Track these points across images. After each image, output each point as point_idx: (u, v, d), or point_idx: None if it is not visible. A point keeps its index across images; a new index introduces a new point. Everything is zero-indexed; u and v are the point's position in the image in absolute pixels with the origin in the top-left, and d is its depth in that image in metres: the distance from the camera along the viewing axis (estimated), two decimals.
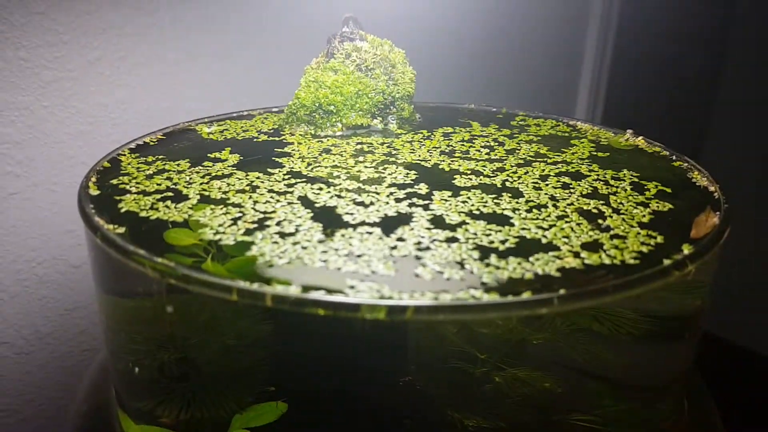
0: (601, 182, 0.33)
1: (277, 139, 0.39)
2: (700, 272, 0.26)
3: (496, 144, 0.39)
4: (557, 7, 0.83)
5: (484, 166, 0.36)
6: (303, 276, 0.23)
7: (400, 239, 0.26)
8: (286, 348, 0.27)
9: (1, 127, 0.45)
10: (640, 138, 0.41)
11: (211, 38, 0.52)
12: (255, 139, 0.39)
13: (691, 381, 0.35)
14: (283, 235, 0.26)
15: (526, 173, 0.34)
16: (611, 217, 0.29)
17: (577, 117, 0.97)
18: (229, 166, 0.34)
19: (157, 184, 0.31)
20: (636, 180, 0.34)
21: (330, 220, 0.28)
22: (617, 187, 0.33)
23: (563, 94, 0.91)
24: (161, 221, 0.27)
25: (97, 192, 0.30)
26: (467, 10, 0.72)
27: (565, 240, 0.27)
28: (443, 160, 0.36)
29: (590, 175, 0.34)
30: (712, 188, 0.33)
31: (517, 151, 0.38)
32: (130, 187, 0.31)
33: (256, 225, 0.27)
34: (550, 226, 0.28)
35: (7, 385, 0.50)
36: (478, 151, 0.38)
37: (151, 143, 0.37)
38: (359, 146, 0.38)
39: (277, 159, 0.35)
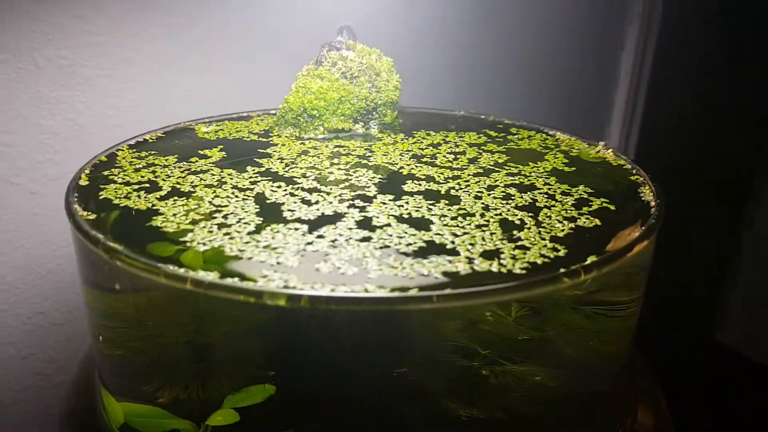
0: (547, 196, 0.36)
1: (264, 140, 0.44)
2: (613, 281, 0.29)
3: (463, 151, 0.43)
4: (592, 27, 0.84)
5: (441, 172, 0.39)
6: (214, 261, 0.28)
7: (320, 236, 0.30)
8: (277, 338, 0.30)
9: (43, 120, 0.52)
10: (610, 150, 0.43)
11: (231, 43, 0.58)
12: (244, 139, 0.44)
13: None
14: (220, 226, 0.31)
15: (477, 182, 0.37)
16: (530, 229, 0.32)
17: (611, 140, 0.97)
18: (210, 164, 0.39)
19: (141, 177, 0.37)
20: (585, 195, 0.36)
21: (271, 216, 0.32)
22: (560, 201, 0.35)
23: (596, 113, 0.91)
24: (128, 208, 0.33)
25: (86, 183, 0.35)
26: (502, 28, 0.74)
27: (469, 247, 0.30)
28: (408, 164, 0.40)
29: (542, 188, 0.37)
30: (652, 203, 0.35)
31: (478, 160, 0.41)
32: (117, 178, 0.36)
33: (202, 216, 0.32)
34: (464, 233, 0.31)
35: (43, 352, 0.58)
36: (445, 157, 0.42)
37: (150, 140, 0.43)
38: (337, 149, 0.42)
39: (257, 159, 0.40)
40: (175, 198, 0.34)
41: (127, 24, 0.54)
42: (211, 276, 0.26)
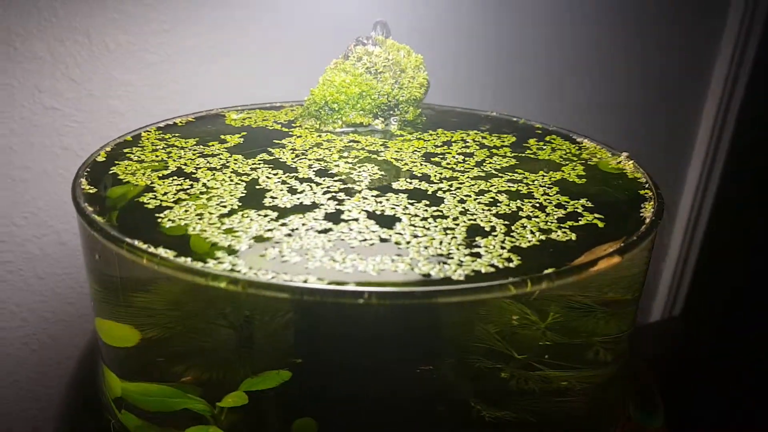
0: (537, 206, 0.35)
1: (285, 130, 0.46)
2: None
3: (472, 153, 0.42)
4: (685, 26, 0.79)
5: (440, 172, 0.39)
6: (173, 237, 0.30)
7: (284, 224, 0.32)
8: (301, 329, 0.31)
9: (110, 100, 0.58)
10: (631, 162, 0.41)
11: (286, 34, 0.61)
12: (267, 128, 0.46)
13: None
14: (200, 207, 0.33)
15: (471, 185, 0.37)
16: (495, 237, 0.31)
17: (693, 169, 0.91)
18: (223, 149, 0.42)
19: (155, 156, 0.40)
20: (580, 209, 0.35)
21: (252, 201, 0.34)
22: (547, 213, 0.34)
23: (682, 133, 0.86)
24: (130, 185, 0.36)
25: (103, 159, 0.39)
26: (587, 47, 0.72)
27: (423, 249, 0.30)
28: (414, 162, 0.40)
29: (537, 198, 0.36)
30: (648, 220, 0.33)
31: (484, 163, 0.41)
32: (133, 156, 0.40)
33: (188, 197, 0.35)
34: (425, 235, 0.31)
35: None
36: (454, 157, 0.42)
37: (180, 124, 0.46)
38: (351, 143, 0.44)
39: (270, 148, 0.42)
40: (175, 177, 0.37)
41: (192, 14, 0.58)
42: (139, 242, 0.28)
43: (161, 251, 0.28)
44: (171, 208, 0.33)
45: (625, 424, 0.39)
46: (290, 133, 0.45)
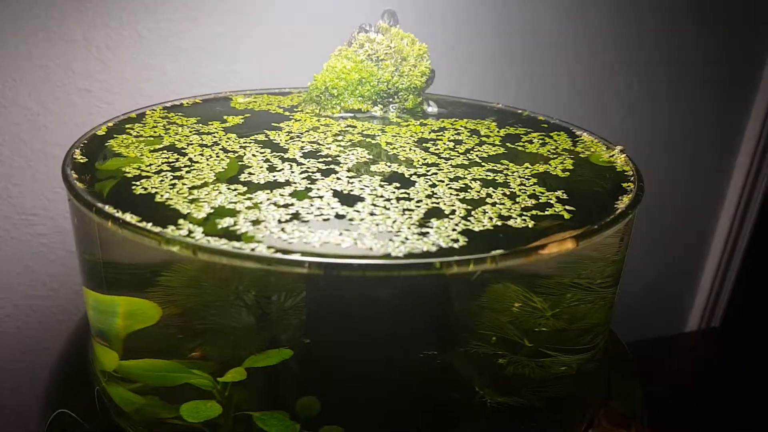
0: (506, 195, 0.35)
1: (287, 114, 0.48)
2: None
3: (467, 140, 0.43)
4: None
5: (425, 157, 0.39)
6: (140, 205, 0.32)
7: (248, 198, 0.33)
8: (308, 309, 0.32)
9: (139, 83, 0.61)
10: (623, 156, 0.40)
11: (305, 20, 0.63)
12: (270, 112, 0.48)
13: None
14: (176, 177, 0.35)
15: (448, 172, 0.38)
16: (451, 220, 0.31)
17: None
18: (221, 128, 0.44)
19: (153, 132, 0.42)
20: (553, 200, 0.34)
21: (228, 176, 0.36)
22: (515, 201, 0.34)
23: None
24: (121, 155, 0.38)
25: (103, 133, 0.42)
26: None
27: (374, 226, 0.30)
28: (403, 147, 0.41)
29: (511, 188, 0.36)
30: (619, 212, 0.33)
31: (471, 152, 0.41)
32: (132, 132, 0.42)
33: (169, 168, 0.37)
34: (382, 214, 0.32)
35: None
36: (445, 144, 0.42)
37: (186, 104, 0.49)
38: (347, 128, 0.45)
39: (267, 130, 0.44)
40: (164, 151, 0.39)
41: (219, 3, 0.61)
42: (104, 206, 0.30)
43: (113, 211, 0.30)
44: (149, 177, 0.35)
45: (606, 408, 0.39)
46: (291, 117, 0.47)
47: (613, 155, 0.41)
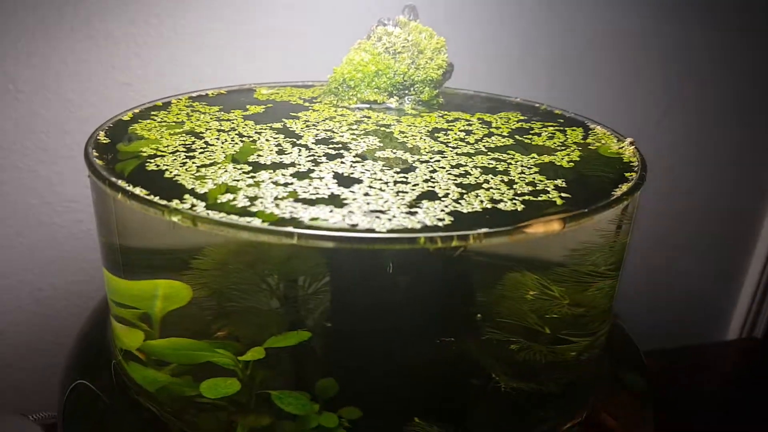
0: (504, 182, 0.35)
1: (306, 104, 0.49)
2: None
3: (479, 132, 0.43)
4: None
5: (433, 145, 0.41)
6: (152, 181, 0.34)
7: (252, 176, 0.35)
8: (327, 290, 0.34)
9: (175, 78, 0.64)
10: (633, 147, 0.40)
11: (335, 18, 0.65)
12: (290, 102, 0.50)
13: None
14: (188, 157, 0.37)
15: (452, 159, 0.39)
16: (442, 201, 0.32)
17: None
18: (240, 116, 0.46)
19: (176, 119, 0.45)
20: (550, 187, 0.35)
21: (238, 157, 0.38)
22: (510, 187, 0.35)
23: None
24: (143, 137, 0.41)
25: (129, 118, 0.45)
26: None
27: (365, 205, 0.32)
28: (415, 137, 0.42)
29: (511, 176, 0.36)
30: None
31: (479, 142, 0.42)
32: (157, 118, 0.45)
33: (185, 149, 0.39)
34: (376, 195, 0.33)
35: None
36: (456, 134, 0.43)
37: (211, 95, 0.51)
38: (362, 118, 0.46)
39: (285, 119, 0.46)
40: (183, 134, 0.41)
41: (248, 2, 0.64)
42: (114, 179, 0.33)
43: (123, 184, 0.32)
44: (163, 156, 0.37)
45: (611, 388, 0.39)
46: (309, 107, 0.48)
47: (623, 147, 0.41)
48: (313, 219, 0.30)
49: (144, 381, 0.37)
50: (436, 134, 0.43)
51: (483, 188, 0.34)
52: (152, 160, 0.37)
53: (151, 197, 0.31)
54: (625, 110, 0.79)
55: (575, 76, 0.76)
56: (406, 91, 0.48)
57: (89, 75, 0.62)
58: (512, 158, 0.39)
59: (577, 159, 0.39)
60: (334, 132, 0.43)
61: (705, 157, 0.87)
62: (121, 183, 0.33)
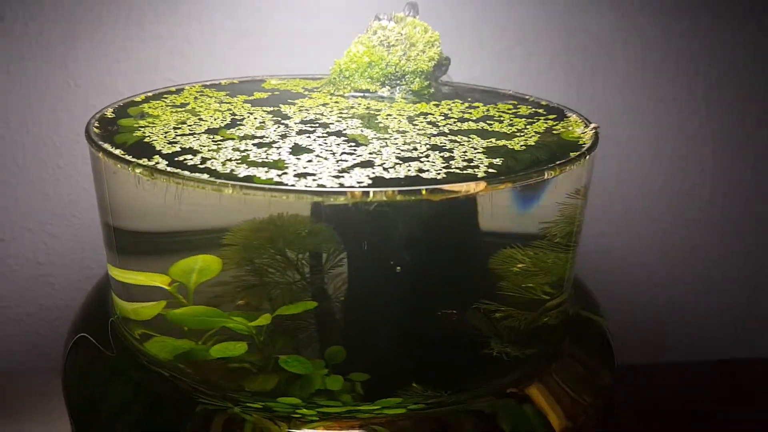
0: (443, 157, 0.39)
1: (306, 93, 0.54)
2: None
3: (454, 117, 0.47)
4: None
5: (401, 127, 0.44)
6: (139, 148, 0.40)
7: (219, 143, 0.40)
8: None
9: (215, 75, 0.72)
10: (592, 132, 0.42)
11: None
12: (292, 91, 0.55)
13: None
14: (176, 127, 0.43)
15: (410, 137, 0.42)
16: (372, 170, 0.36)
17: None
18: (242, 101, 0.52)
19: (183, 100, 0.51)
20: (485, 164, 0.38)
21: (219, 129, 0.43)
22: (449, 162, 0.38)
23: None
24: (146, 113, 0.47)
25: (141, 99, 0.51)
26: None
27: (297, 168, 0.36)
28: (395, 119, 0.46)
29: (452, 152, 0.40)
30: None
31: (449, 126, 0.45)
32: (167, 100, 0.52)
33: (176, 123, 0.45)
34: (317, 162, 0.37)
35: None
36: (435, 118, 0.47)
37: (223, 83, 0.57)
38: (354, 105, 0.51)
39: (282, 104, 0.51)
40: (183, 112, 0.47)
41: (286, 2, 0.70)
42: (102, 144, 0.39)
43: (106, 145, 0.38)
44: (154, 126, 0.43)
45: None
46: (308, 95, 0.53)
47: (585, 132, 0.42)
48: (246, 177, 0.35)
49: (161, 349, 0.42)
50: (415, 119, 0.46)
51: (419, 161, 0.37)
52: (141, 130, 0.43)
53: (118, 152, 0.37)
54: (653, 111, 0.79)
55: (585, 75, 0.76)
56: (398, 82, 0.52)
57: (138, 71, 0.70)
58: (468, 141, 0.42)
59: (532, 144, 0.42)
60: (323, 115, 0.47)
61: (746, 165, 0.84)
62: (104, 145, 0.39)
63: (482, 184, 0.34)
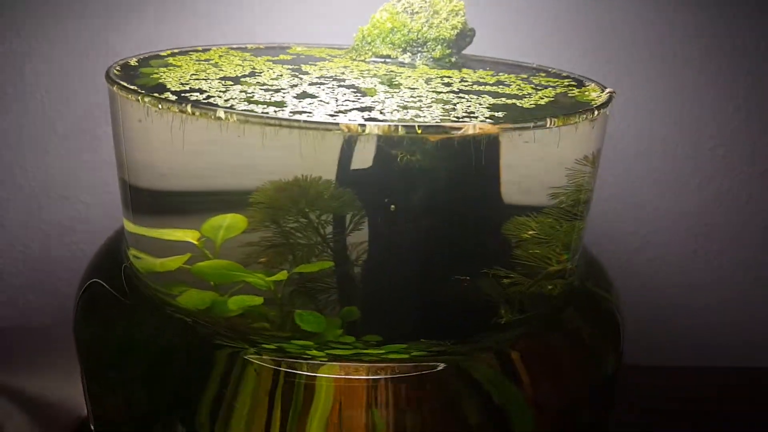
0: (444, 108, 0.39)
1: (328, 58, 0.56)
2: None
3: (469, 80, 0.47)
4: None
5: (414, 85, 0.45)
6: (148, 83, 0.42)
7: (227, 86, 0.41)
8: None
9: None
10: (607, 95, 0.42)
11: None
12: (315, 56, 0.57)
13: None
14: (197, 75, 0.45)
15: (417, 92, 0.43)
16: (369, 113, 0.37)
17: None
18: (264, 60, 0.53)
19: (208, 57, 0.53)
20: (483, 115, 0.38)
21: (234, 77, 0.45)
22: (449, 113, 0.39)
23: None
24: (173, 66, 0.49)
25: (166, 53, 0.53)
26: None
27: (295, 109, 0.37)
28: (413, 79, 0.47)
29: (455, 105, 0.40)
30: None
31: (461, 85, 0.45)
32: (193, 55, 0.54)
33: (194, 71, 0.46)
34: (318, 105, 0.38)
35: None
36: (449, 80, 0.47)
37: (250, 48, 0.59)
38: (373, 68, 0.52)
39: (303, 64, 0.53)
40: (205, 64, 0.49)
41: None
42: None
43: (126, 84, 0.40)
44: (173, 71, 0.45)
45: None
46: (331, 59, 0.55)
47: (599, 95, 0.42)
48: (244, 109, 0.36)
49: (188, 300, 0.43)
50: (432, 80, 0.47)
51: (419, 110, 0.38)
52: (160, 72, 0.45)
53: (133, 88, 0.39)
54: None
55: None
56: (419, 48, 0.53)
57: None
58: (477, 98, 0.42)
59: (543, 104, 0.42)
60: (343, 74, 0.48)
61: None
62: (118, 80, 0.41)
63: (483, 125, 0.34)
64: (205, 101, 0.38)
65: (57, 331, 0.73)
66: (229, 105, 0.37)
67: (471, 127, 0.34)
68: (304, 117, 0.35)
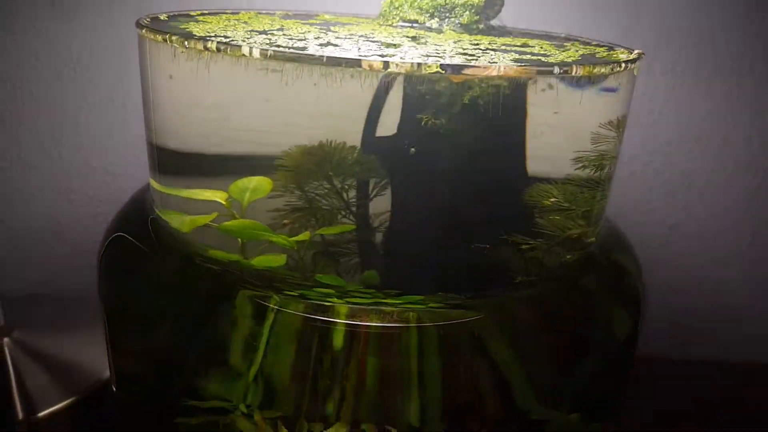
0: (465, 55, 0.40)
1: (356, 23, 0.56)
2: None
3: (498, 43, 0.47)
4: None
5: (440, 43, 0.45)
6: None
7: (251, 33, 0.42)
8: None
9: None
10: (635, 56, 0.42)
11: None
12: (342, 22, 0.57)
13: None
14: (227, 27, 0.46)
15: (442, 47, 0.43)
16: (391, 57, 0.37)
17: None
18: (294, 22, 0.54)
19: (237, 19, 0.54)
20: (506, 62, 0.39)
21: (260, 30, 0.46)
22: (470, 60, 0.39)
23: None
24: (204, 24, 0.50)
25: (196, 14, 0.55)
26: None
27: (315, 52, 0.38)
28: (441, 40, 0.47)
29: (478, 56, 0.41)
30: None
31: (487, 45, 0.45)
32: (221, 17, 0.55)
33: (222, 25, 0.47)
34: (338, 48, 0.39)
35: None
36: (476, 42, 0.47)
37: (278, 14, 0.60)
38: (400, 31, 0.52)
39: (332, 26, 0.53)
40: (234, 21, 0.50)
41: None
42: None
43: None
44: (208, 24, 0.46)
45: None
46: (358, 24, 0.55)
47: (629, 57, 0.42)
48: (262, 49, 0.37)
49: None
50: (460, 41, 0.47)
51: (442, 58, 0.38)
52: (190, 27, 0.46)
53: (161, 31, 0.40)
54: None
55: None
56: (447, 14, 0.53)
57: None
58: (502, 55, 0.42)
59: (571, 59, 0.42)
60: (370, 34, 0.49)
61: None
62: (147, 26, 0.42)
63: (508, 66, 0.34)
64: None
65: (81, 295, 0.74)
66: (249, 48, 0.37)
67: (495, 69, 0.34)
68: (327, 52, 0.35)
